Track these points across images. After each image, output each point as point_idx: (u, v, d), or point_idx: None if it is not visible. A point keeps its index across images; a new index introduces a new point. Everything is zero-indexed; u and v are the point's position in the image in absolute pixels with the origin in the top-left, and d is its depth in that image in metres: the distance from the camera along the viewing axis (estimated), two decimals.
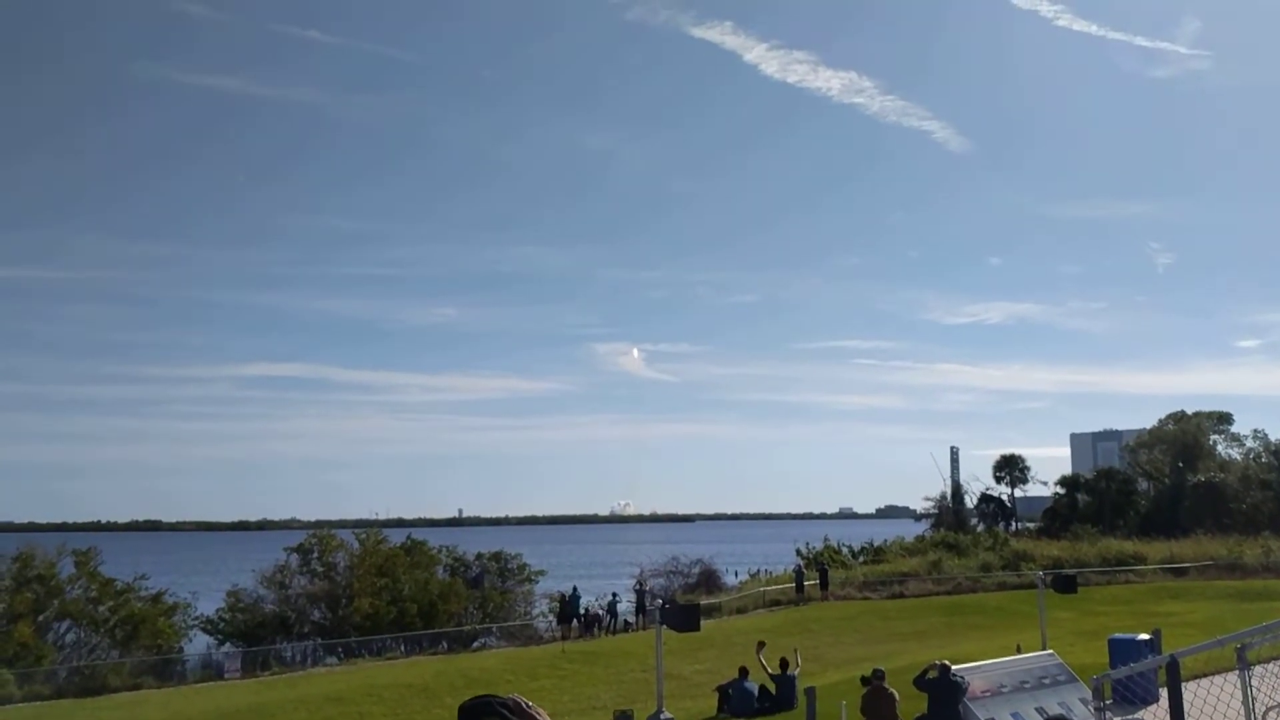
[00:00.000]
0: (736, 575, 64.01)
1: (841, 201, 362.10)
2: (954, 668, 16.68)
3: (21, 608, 39.08)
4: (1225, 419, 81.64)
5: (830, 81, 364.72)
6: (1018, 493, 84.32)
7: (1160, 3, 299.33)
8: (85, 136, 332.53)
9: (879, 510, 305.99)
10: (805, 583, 53.16)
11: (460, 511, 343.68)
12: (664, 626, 18.92)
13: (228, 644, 44.44)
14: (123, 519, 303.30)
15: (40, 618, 40.03)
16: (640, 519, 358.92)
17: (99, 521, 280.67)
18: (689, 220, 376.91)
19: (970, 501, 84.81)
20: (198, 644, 44.45)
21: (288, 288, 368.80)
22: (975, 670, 17.47)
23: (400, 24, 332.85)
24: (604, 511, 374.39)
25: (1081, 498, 78.33)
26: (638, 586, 51.17)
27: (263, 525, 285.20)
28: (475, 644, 46.31)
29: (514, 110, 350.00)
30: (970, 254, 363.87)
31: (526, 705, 2.80)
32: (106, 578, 42.50)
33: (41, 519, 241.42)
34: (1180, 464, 76.73)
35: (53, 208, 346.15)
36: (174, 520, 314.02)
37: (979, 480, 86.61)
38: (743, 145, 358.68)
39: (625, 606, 49.04)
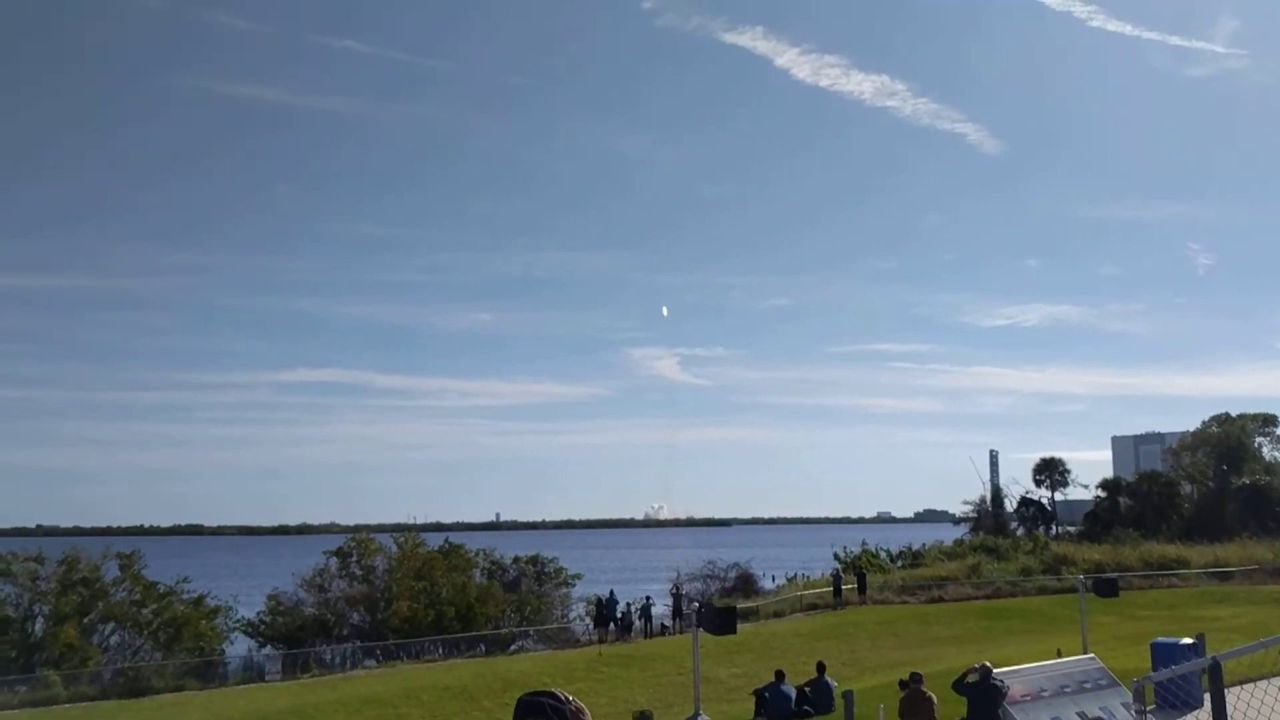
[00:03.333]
0: (774, 579, 63.82)
1: (875, 204, 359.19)
2: (994, 671, 16.55)
3: (67, 610, 39.75)
4: (1270, 421, 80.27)
5: (862, 85, 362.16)
6: (1058, 496, 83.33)
7: (1195, 2, 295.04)
8: (122, 145, 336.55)
9: (917, 514, 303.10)
10: (843, 587, 52.97)
11: (497, 515, 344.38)
12: (700, 629, 18.91)
13: (268, 646, 44.92)
14: (165, 524, 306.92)
15: (85, 620, 40.70)
16: (676, 523, 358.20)
17: (142, 526, 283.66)
18: (722, 224, 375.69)
19: (1010, 505, 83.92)
20: (239, 646, 44.97)
21: (326, 294, 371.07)
22: (1015, 674, 17.32)
23: (433, 32, 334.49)
24: (638, 515, 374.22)
25: (1123, 501, 77.25)
26: (674, 590, 51.16)
27: (302, 529, 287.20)
28: (512, 647, 46.49)
29: (547, 116, 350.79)
30: (1006, 256, 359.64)
31: (566, 699, 2.84)
32: (150, 581, 43.13)
33: (86, 524, 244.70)
34: (1224, 466, 75.53)
35: (93, 216, 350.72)
36: (215, 525, 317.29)
37: (1018, 483, 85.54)
38: (775, 149, 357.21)
39: (661, 610, 49.04)
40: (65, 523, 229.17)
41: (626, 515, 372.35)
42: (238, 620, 45.96)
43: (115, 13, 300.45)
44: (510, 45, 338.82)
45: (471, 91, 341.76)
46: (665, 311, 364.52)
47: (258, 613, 46.83)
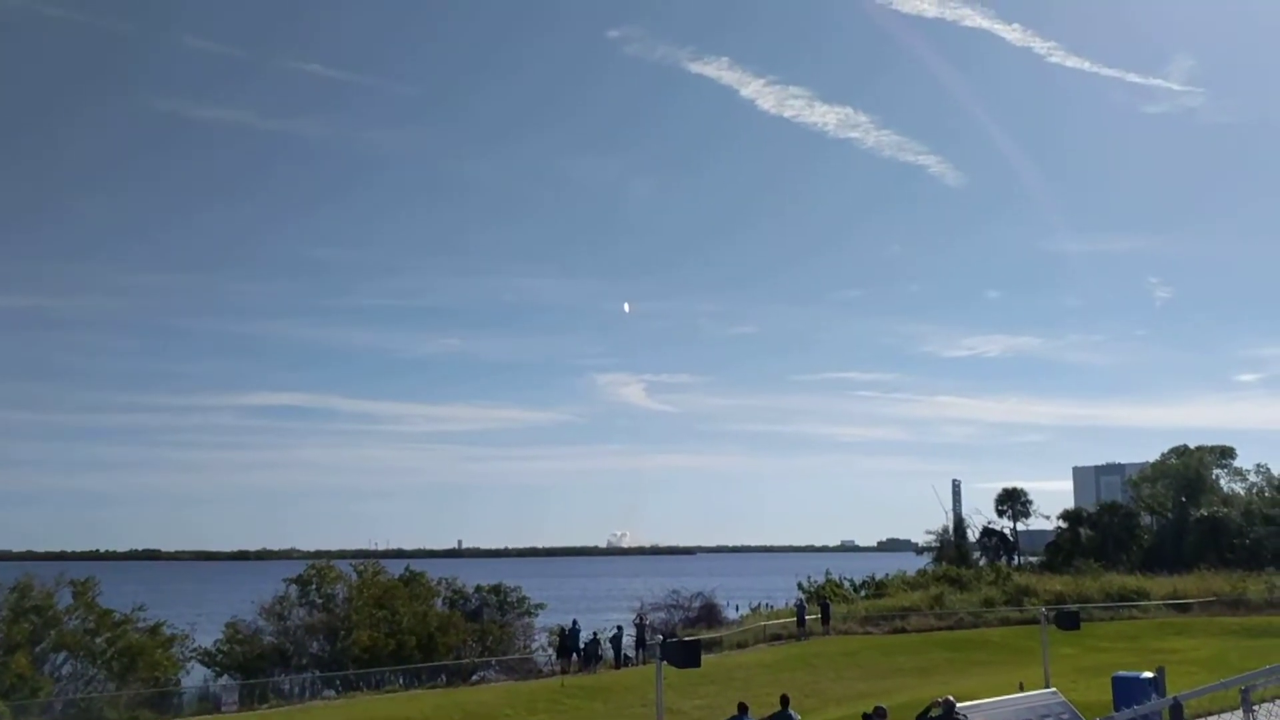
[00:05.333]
0: (737, 609, 63.63)
1: (840, 234, 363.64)
2: (957, 705, 16.55)
3: (19, 638, 38.78)
4: (1228, 453, 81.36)
5: (826, 116, 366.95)
6: (1020, 526, 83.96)
7: (1151, 41, 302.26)
8: (84, 166, 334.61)
9: (880, 543, 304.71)
10: (807, 617, 52.91)
11: (460, 543, 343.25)
12: (664, 662, 18.76)
13: (225, 676, 44.09)
14: (122, 548, 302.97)
15: (37, 649, 39.69)
16: (640, 551, 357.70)
17: (98, 551, 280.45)
18: (689, 251, 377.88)
19: (972, 535, 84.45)
20: (195, 676, 44.11)
21: (292, 318, 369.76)
22: (978, 708, 17.35)
23: (401, 58, 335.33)
24: (603, 543, 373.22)
25: (1084, 532, 77.91)
26: (638, 621, 50.89)
27: (262, 555, 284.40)
28: (474, 677, 45.98)
29: (516, 144, 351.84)
30: (969, 287, 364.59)
31: None
32: (104, 608, 42.18)
33: (40, 548, 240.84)
34: (1183, 498, 76.39)
35: (64, 241, 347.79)
36: (173, 550, 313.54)
37: (981, 513, 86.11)
38: (741, 178, 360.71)
39: (625, 640, 48.74)
40: (17, 547, 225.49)
41: (591, 543, 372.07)
42: (194, 649, 45.06)
43: (85, 36, 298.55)
44: (477, 73, 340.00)
45: (438, 116, 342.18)
46: (627, 307, 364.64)
47: (215, 641, 45.97)
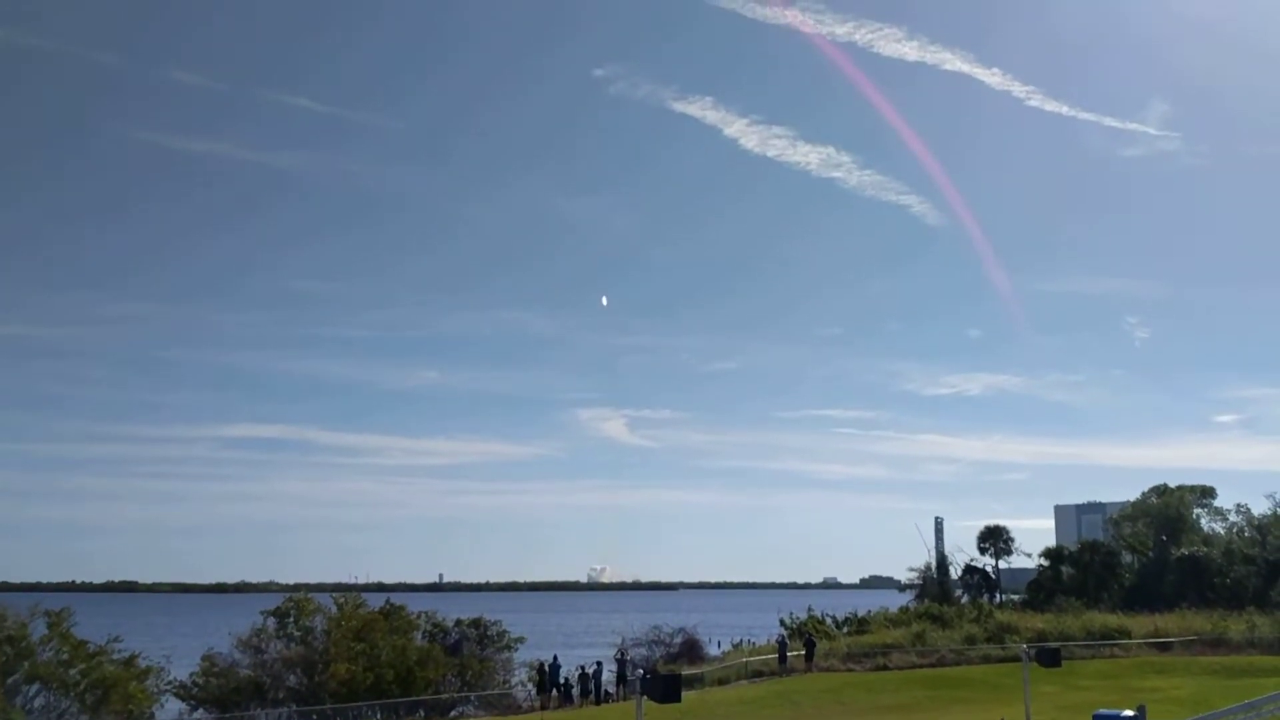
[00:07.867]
0: (719, 645, 63.36)
1: (822, 272, 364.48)
2: None
3: None
4: (1208, 492, 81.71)
5: (809, 156, 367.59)
6: (1002, 564, 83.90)
7: (1128, 85, 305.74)
8: (63, 194, 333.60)
9: (863, 580, 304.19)
10: (789, 653, 52.74)
11: (440, 577, 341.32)
12: (644, 697, 18.67)
13: (200, 710, 43.60)
14: (98, 580, 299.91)
15: (10, 680, 39.18)
16: (622, 586, 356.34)
17: (74, 582, 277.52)
18: (672, 287, 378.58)
19: (954, 573, 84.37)
20: (170, 710, 43.60)
21: (268, 349, 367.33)
22: None
23: (384, 91, 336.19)
24: (582, 578, 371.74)
25: (1066, 570, 77.97)
26: (619, 656, 50.61)
27: (241, 588, 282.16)
28: (453, 712, 45.63)
29: (496, 176, 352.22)
30: (949, 326, 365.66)
31: None
32: (79, 639, 41.69)
33: (14, 579, 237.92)
34: (1164, 537, 76.60)
35: (47, 270, 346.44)
36: (150, 581, 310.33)
37: (963, 551, 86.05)
38: (725, 216, 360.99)
39: (605, 675, 48.47)
40: None
41: (572, 578, 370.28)
42: (169, 682, 44.50)
43: (70, 68, 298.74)
44: (462, 106, 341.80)
45: (422, 150, 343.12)
46: (605, 301, 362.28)
47: (191, 674, 45.45)
